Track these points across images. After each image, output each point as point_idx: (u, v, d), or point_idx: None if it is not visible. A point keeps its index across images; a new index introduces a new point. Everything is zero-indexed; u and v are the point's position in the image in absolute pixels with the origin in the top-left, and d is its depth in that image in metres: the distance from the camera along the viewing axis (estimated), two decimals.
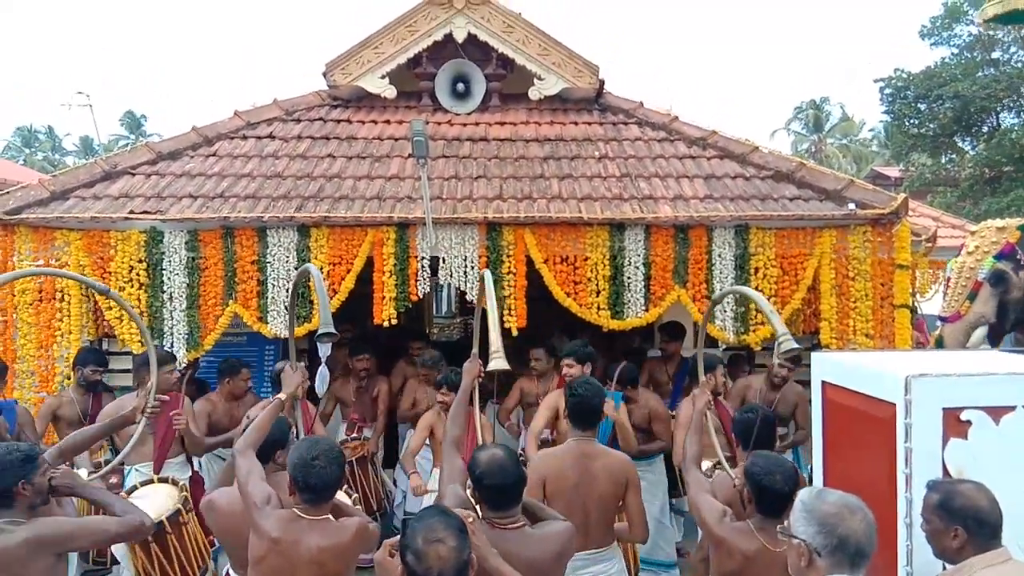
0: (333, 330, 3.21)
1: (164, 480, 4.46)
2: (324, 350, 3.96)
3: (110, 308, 5.34)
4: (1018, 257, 5.73)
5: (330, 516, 2.89)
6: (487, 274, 3.66)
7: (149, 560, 4.00)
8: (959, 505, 2.39)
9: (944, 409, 2.70)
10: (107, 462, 4.72)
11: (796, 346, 3.27)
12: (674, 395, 6.03)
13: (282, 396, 3.49)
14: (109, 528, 2.93)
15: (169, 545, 4.02)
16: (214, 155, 6.16)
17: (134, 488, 4.31)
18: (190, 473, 4.94)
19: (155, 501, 4.14)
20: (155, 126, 43.30)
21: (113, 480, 4.58)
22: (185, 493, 4.31)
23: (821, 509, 2.23)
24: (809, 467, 3.64)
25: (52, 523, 2.83)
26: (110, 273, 5.38)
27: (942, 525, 2.41)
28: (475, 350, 3.69)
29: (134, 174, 5.88)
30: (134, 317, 4.29)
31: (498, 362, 3.02)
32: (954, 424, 2.71)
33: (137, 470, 4.70)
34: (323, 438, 3.30)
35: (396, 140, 6.37)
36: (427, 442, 5.24)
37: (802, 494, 2.36)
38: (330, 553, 2.84)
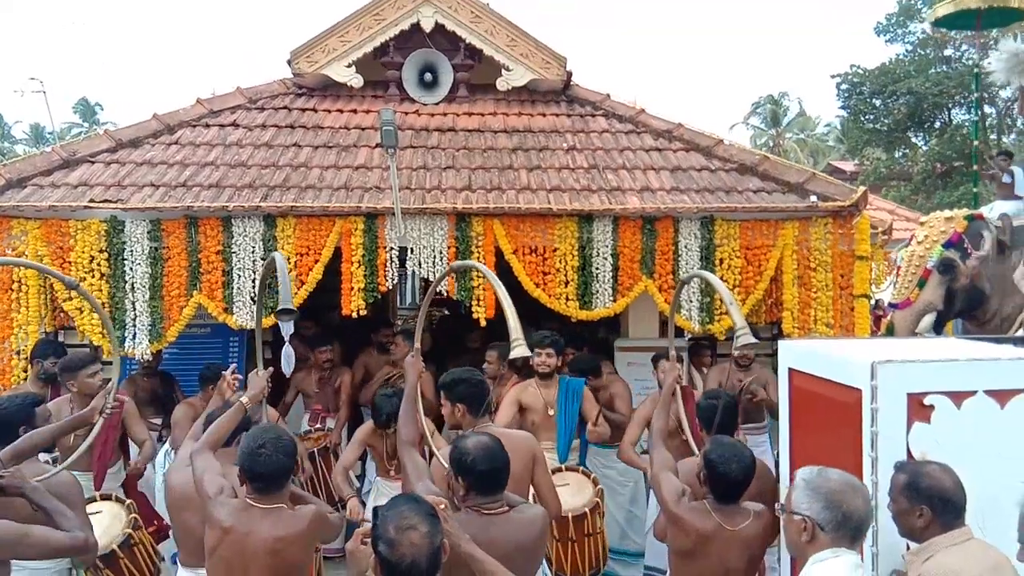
0: (291, 306, 3.20)
1: (107, 497, 4.23)
2: (287, 329, 3.90)
3: (69, 299, 5.21)
4: (965, 246, 5.93)
5: (284, 505, 2.89)
6: (483, 267, 3.72)
7: None
8: (926, 485, 2.48)
9: (908, 394, 2.78)
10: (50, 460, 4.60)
11: (753, 340, 3.43)
12: None
13: (244, 400, 3.45)
14: (53, 540, 2.82)
15: (122, 568, 3.88)
16: (176, 143, 6.04)
17: None
18: (124, 478, 4.81)
19: (102, 524, 3.92)
20: (110, 115, 42.18)
21: None
22: (134, 514, 4.09)
23: (827, 486, 2.35)
24: (776, 451, 3.74)
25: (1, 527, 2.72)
26: (70, 263, 5.25)
27: (908, 505, 2.50)
28: (417, 345, 3.59)
29: (93, 162, 5.74)
30: (100, 312, 4.19)
31: (520, 349, 2.96)
32: (918, 408, 2.79)
33: None
34: (272, 426, 3.25)
35: (363, 130, 6.31)
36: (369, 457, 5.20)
37: (803, 473, 2.46)
38: (284, 542, 2.83)
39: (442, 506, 2.43)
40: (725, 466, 3.02)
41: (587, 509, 4.07)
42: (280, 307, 3.25)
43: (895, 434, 2.77)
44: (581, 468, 4.44)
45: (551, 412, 4.76)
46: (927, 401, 2.79)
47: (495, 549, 2.62)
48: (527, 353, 3.03)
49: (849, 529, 2.32)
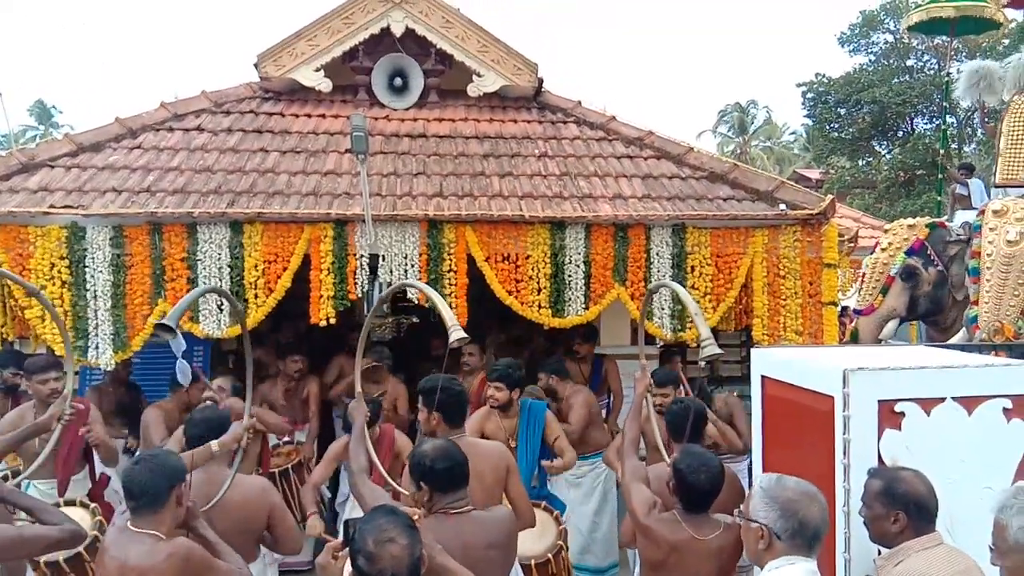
0: (171, 324, 3.10)
1: (71, 503, 4.13)
2: (176, 345, 3.82)
3: (30, 307, 5.07)
4: (928, 253, 6.05)
5: (155, 532, 2.63)
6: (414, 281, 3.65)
7: None
8: (901, 491, 2.50)
9: (879, 401, 2.81)
10: (7, 476, 4.49)
11: (718, 351, 3.46)
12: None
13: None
14: (48, 535, 2.78)
15: (87, 571, 3.79)
16: (139, 147, 5.91)
17: None
18: (90, 486, 4.72)
19: None
20: (69, 118, 41.32)
21: None
22: (99, 517, 4.03)
23: (783, 495, 2.35)
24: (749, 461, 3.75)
25: None
26: (29, 270, 5.10)
27: (883, 510, 2.51)
28: (359, 389, 3.55)
29: (53, 167, 5.60)
30: (57, 320, 4.09)
31: (457, 332, 3.02)
32: (889, 416, 2.82)
33: (36, 487, 4.42)
34: (161, 451, 3.11)
35: (332, 135, 6.24)
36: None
37: (762, 480, 2.47)
38: (136, 573, 2.57)
39: (416, 516, 2.40)
40: (694, 476, 3.03)
41: (550, 555, 4.03)
42: (160, 320, 3.19)
43: (867, 441, 2.80)
44: (544, 504, 4.34)
45: (512, 443, 4.69)
46: (898, 408, 2.82)
47: (470, 549, 2.64)
48: (463, 334, 3.06)
49: (805, 538, 2.33)
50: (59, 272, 5.14)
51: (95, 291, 5.17)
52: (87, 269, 5.16)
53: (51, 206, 5.17)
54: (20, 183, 5.38)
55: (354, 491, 3.18)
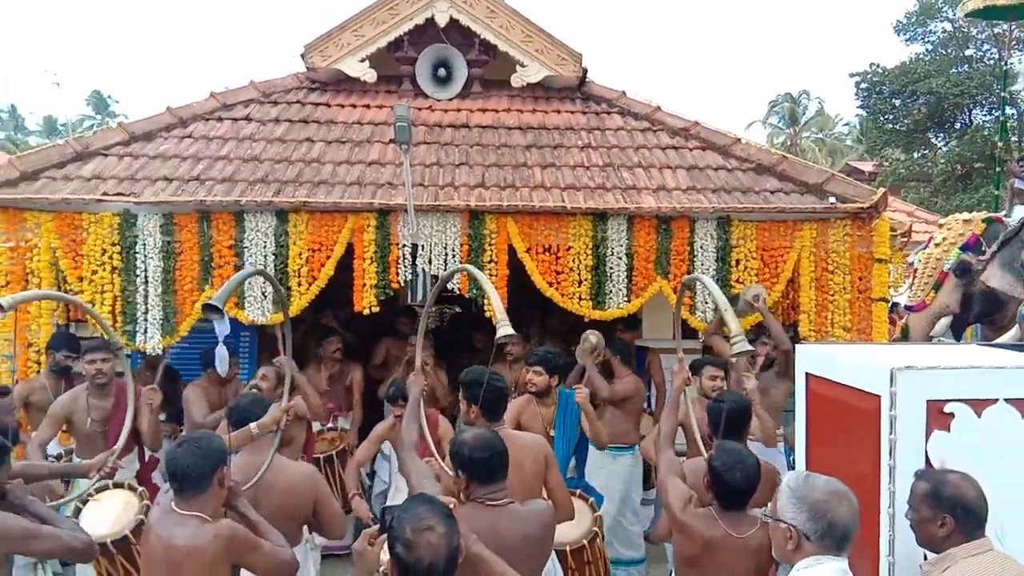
0: (219, 304, 3.15)
1: (120, 485, 4.21)
2: (221, 328, 3.86)
3: (81, 292, 5.22)
4: (983, 249, 5.84)
5: (200, 514, 2.69)
6: (470, 268, 3.79)
7: (115, 569, 3.88)
8: (948, 494, 2.42)
9: (928, 401, 2.71)
10: (61, 456, 4.62)
11: (748, 348, 3.41)
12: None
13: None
14: (61, 538, 2.82)
15: (134, 554, 3.85)
16: (189, 137, 6.03)
17: (89, 496, 4.06)
18: (138, 467, 4.83)
19: (114, 511, 3.98)
20: (125, 107, 42.39)
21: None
22: (145, 501, 4.10)
23: (812, 496, 2.31)
24: (792, 456, 3.68)
25: (12, 520, 2.74)
26: (82, 256, 5.26)
27: (930, 514, 2.44)
28: (418, 363, 3.68)
29: (106, 155, 5.75)
30: (95, 315, 4.23)
31: (505, 328, 3.06)
32: (937, 416, 2.72)
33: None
34: (203, 433, 3.14)
35: (376, 125, 6.28)
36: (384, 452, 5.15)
37: (789, 479, 2.42)
38: (182, 553, 2.62)
39: (452, 504, 2.41)
40: (729, 473, 2.98)
41: (585, 541, 4.02)
42: (206, 302, 3.22)
43: (914, 442, 2.71)
44: (579, 492, 4.33)
45: (550, 432, 4.67)
46: (947, 409, 2.72)
47: (503, 541, 2.62)
48: (511, 331, 3.08)
49: (834, 538, 2.29)
50: (111, 258, 5.28)
51: (145, 277, 5.30)
52: (138, 255, 5.29)
53: (104, 194, 5.30)
54: (74, 171, 5.53)
55: (402, 468, 3.21)
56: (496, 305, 3.17)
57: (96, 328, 5.39)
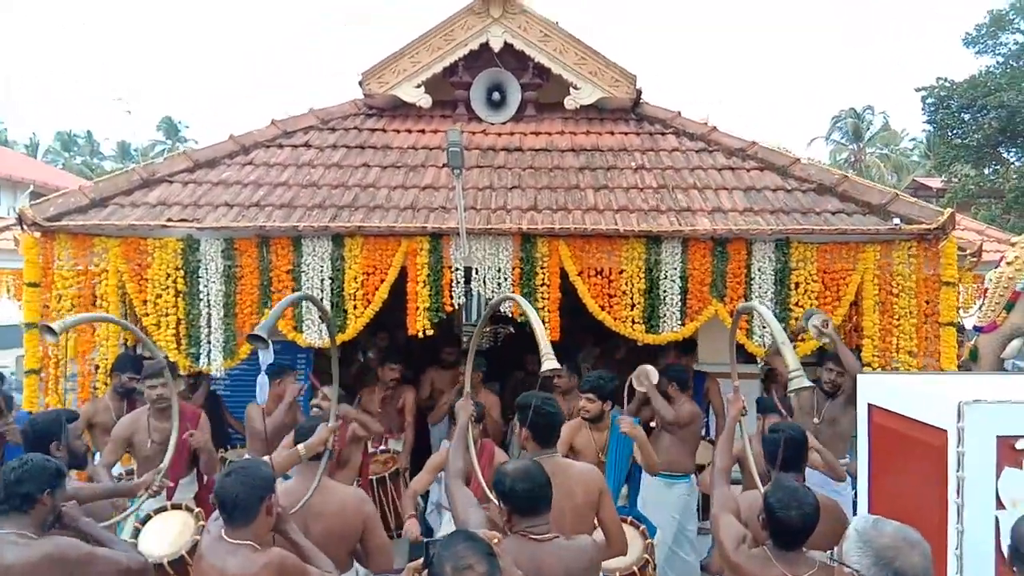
0: (262, 334, 3.12)
1: (177, 507, 4.31)
2: (265, 357, 3.88)
3: (147, 315, 5.39)
4: None
5: (250, 543, 2.73)
6: (517, 297, 3.75)
7: None
8: None
9: (998, 437, 2.59)
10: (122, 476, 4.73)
11: (808, 384, 3.06)
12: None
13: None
14: (120, 561, 2.89)
15: (189, 574, 3.90)
16: (250, 163, 6.20)
17: (148, 517, 4.17)
18: (196, 489, 4.91)
19: (171, 532, 4.06)
20: (193, 132, 44.05)
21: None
22: (202, 522, 4.14)
23: (879, 541, 2.21)
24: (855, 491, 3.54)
25: (71, 543, 2.81)
26: (147, 280, 5.43)
27: None
28: (467, 389, 3.65)
29: (171, 182, 5.94)
30: (141, 337, 4.31)
31: (550, 362, 3.01)
32: (1009, 453, 2.60)
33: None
34: (251, 461, 3.17)
35: (431, 149, 6.35)
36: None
37: (857, 523, 2.32)
38: None
39: (495, 541, 2.38)
40: (784, 512, 2.81)
41: (636, 567, 3.93)
42: (251, 333, 3.18)
43: (983, 480, 2.59)
44: (631, 519, 4.25)
45: (602, 457, 4.62)
46: (1019, 445, 2.59)
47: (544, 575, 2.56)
48: (556, 365, 3.03)
49: None
50: (175, 282, 5.43)
51: (208, 300, 5.45)
52: (200, 280, 5.44)
53: (168, 220, 5.47)
54: (141, 198, 5.73)
55: (448, 493, 3.19)
56: (541, 339, 3.12)
57: (164, 349, 5.56)
